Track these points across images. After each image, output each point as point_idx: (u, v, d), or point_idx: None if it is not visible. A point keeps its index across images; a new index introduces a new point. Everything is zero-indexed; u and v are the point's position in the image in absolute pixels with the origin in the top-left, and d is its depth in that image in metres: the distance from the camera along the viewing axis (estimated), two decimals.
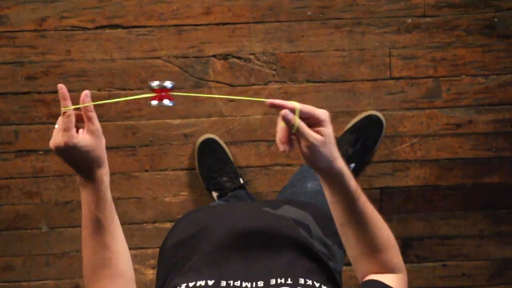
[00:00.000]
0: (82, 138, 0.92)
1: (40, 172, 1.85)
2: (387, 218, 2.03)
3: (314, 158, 0.91)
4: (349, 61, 1.85)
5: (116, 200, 1.86)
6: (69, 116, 0.92)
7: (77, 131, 0.94)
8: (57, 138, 0.92)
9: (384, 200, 1.90)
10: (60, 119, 0.93)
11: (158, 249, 1.94)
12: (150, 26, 1.82)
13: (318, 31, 1.84)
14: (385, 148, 1.89)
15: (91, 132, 0.94)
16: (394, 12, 1.84)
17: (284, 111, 0.88)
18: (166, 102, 0.98)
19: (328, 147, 0.90)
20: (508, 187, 1.91)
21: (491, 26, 1.85)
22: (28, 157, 1.85)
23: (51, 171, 1.85)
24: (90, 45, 1.82)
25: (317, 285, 0.92)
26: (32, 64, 1.82)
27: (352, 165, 1.82)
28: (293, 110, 0.89)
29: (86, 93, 0.96)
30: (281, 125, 0.91)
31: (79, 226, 1.89)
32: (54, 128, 0.95)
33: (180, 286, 0.93)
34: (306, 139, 0.89)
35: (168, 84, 0.97)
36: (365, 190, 2.00)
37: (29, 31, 1.81)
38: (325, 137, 0.90)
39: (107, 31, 1.82)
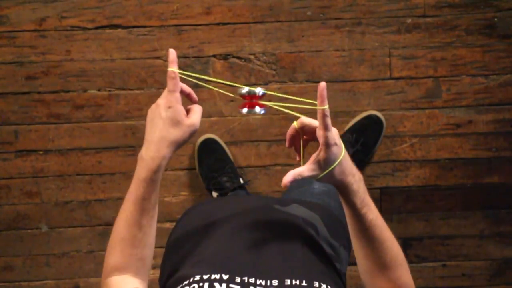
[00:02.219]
0: (183, 111, 0.98)
1: (40, 172, 1.85)
2: (387, 218, 2.03)
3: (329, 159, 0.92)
4: (349, 61, 1.85)
5: (116, 200, 1.87)
6: (173, 78, 0.97)
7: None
8: (162, 98, 0.98)
9: (384, 200, 1.90)
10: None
11: (158, 249, 1.94)
12: (150, 26, 1.82)
13: (318, 31, 1.84)
14: (385, 148, 1.89)
15: (190, 118, 0.99)
16: (394, 12, 1.84)
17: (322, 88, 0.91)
18: (257, 110, 0.98)
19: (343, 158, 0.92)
20: (508, 187, 1.91)
21: (491, 26, 1.85)
22: (28, 157, 1.85)
23: (51, 171, 1.85)
24: (90, 45, 1.82)
25: None
26: (32, 64, 1.82)
27: None
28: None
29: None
30: (295, 125, 0.96)
31: (79, 226, 1.90)
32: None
33: (194, 277, 0.93)
34: (329, 136, 0.90)
35: (259, 91, 0.97)
36: None
37: (29, 31, 1.81)
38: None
39: (107, 31, 1.82)
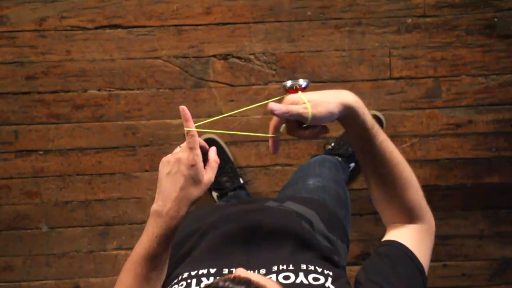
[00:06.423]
0: (202, 166, 0.95)
1: (40, 172, 1.85)
2: None
3: (319, 120, 0.92)
4: (349, 61, 1.85)
5: (116, 200, 1.87)
6: (193, 136, 0.94)
7: None
8: (183, 153, 0.94)
9: None
10: (184, 143, 0.96)
11: None
12: (150, 26, 1.82)
13: (318, 31, 1.84)
14: None
15: (207, 175, 0.97)
16: (394, 12, 1.84)
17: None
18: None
19: (320, 105, 0.91)
20: (508, 187, 1.91)
21: (491, 26, 1.85)
22: (28, 157, 1.85)
23: (51, 171, 1.85)
24: (90, 45, 1.82)
25: (319, 269, 0.92)
26: (32, 64, 1.82)
27: (352, 164, 1.82)
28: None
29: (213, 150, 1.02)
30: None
31: (79, 226, 1.90)
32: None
33: (183, 275, 0.95)
34: (295, 113, 0.91)
35: (302, 82, 0.97)
36: (365, 190, 2.00)
37: (29, 31, 1.81)
38: (305, 101, 0.91)
39: (107, 31, 1.82)
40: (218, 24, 1.83)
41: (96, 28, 1.81)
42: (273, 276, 0.91)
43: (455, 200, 1.92)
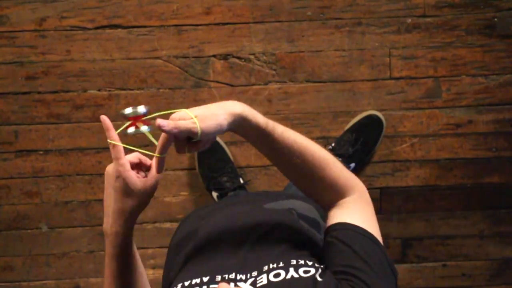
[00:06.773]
0: (134, 178, 0.92)
1: (40, 172, 1.85)
2: (387, 218, 2.03)
3: (208, 134, 0.91)
4: (349, 61, 1.85)
5: None
6: (114, 146, 0.92)
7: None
8: (109, 166, 0.93)
9: (384, 200, 1.90)
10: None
11: (158, 249, 1.94)
12: (150, 26, 1.82)
13: (318, 31, 1.84)
14: (385, 148, 1.89)
15: (146, 183, 0.94)
16: (394, 12, 1.84)
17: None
18: (144, 128, 0.95)
19: (208, 119, 0.90)
20: (508, 187, 1.91)
21: (491, 26, 1.85)
22: (28, 157, 1.85)
23: (51, 171, 1.85)
24: (90, 45, 1.82)
25: (310, 263, 0.92)
26: (32, 64, 1.82)
27: (352, 164, 1.82)
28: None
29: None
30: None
31: (79, 226, 1.90)
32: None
33: (176, 286, 0.94)
34: (186, 129, 0.90)
35: (141, 109, 0.94)
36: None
37: (29, 31, 1.81)
38: (192, 116, 0.91)
39: (107, 31, 1.82)
40: (218, 24, 1.83)
41: (96, 28, 1.81)
42: (264, 276, 0.91)
43: (455, 200, 1.92)
